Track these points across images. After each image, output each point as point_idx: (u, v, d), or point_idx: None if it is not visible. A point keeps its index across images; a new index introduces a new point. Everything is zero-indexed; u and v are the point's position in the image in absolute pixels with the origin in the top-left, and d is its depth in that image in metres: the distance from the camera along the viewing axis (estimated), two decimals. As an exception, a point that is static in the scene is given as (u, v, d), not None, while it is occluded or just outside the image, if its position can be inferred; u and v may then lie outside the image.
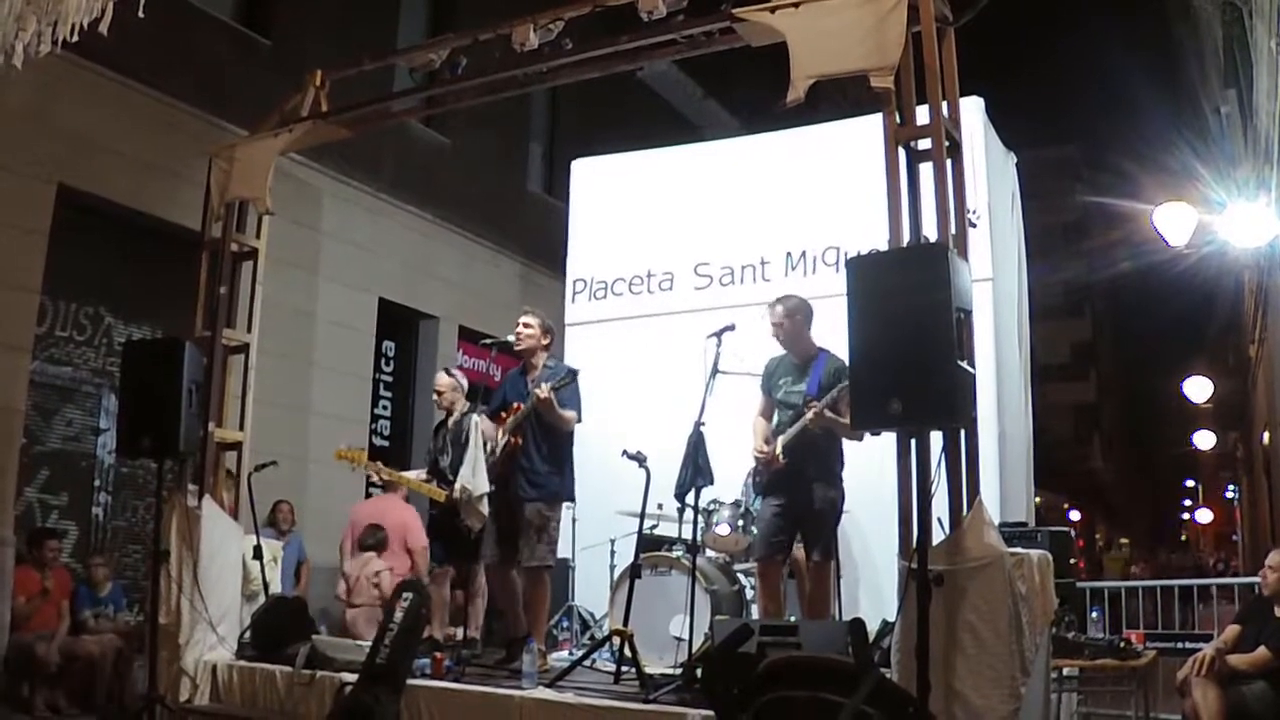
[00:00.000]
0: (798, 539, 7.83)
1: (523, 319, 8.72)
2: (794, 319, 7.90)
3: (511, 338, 8.74)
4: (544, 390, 8.10)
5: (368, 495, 14.24)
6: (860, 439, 7.45)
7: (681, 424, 7.76)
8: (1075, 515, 50.45)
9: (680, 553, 8.42)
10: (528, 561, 8.28)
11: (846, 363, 7.40)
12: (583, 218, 11.57)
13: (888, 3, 6.24)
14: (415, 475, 9.45)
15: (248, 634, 8.34)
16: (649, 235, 10.95)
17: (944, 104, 6.32)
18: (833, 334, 6.99)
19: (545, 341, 8.68)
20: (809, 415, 7.54)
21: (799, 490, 7.65)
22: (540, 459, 8.34)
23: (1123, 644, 8.01)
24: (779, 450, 7.68)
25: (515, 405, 8.43)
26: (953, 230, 6.10)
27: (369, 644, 7.30)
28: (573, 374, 8.33)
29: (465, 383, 9.48)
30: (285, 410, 12.68)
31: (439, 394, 9.37)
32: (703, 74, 20.54)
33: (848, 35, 6.35)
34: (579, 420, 8.43)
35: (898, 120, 6.31)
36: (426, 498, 9.19)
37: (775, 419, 7.97)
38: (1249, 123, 14.58)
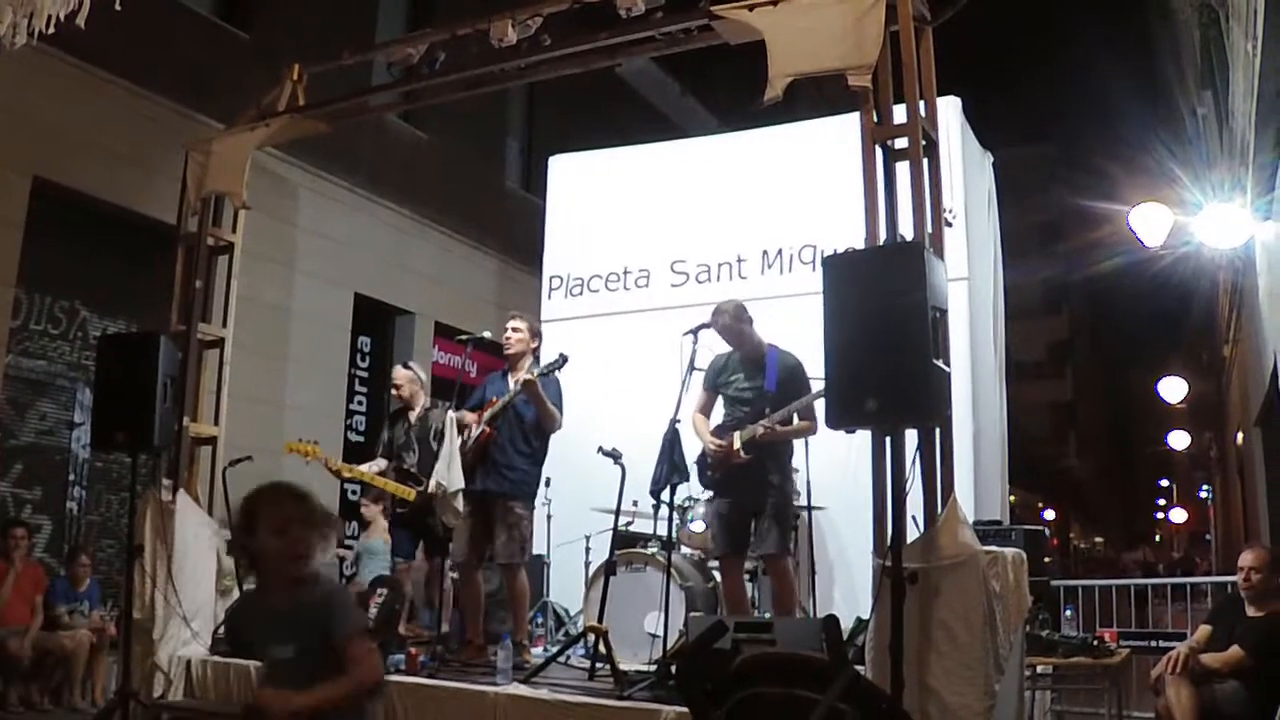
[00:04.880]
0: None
1: (512, 323, 8.72)
2: (742, 319, 7.92)
3: (487, 333, 8.77)
4: (530, 375, 8.14)
5: (342, 490, 14.24)
6: (813, 434, 7.57)
7: (657, 421, 7.74)
8: (1050, 514, 50.68)
9: (655, 549, 8.42)
10: (502, 559, 8.29)
11: (796, 358, 7.49)
12: (560, 214, 11.57)
13: (866, 2, 6.26)
14: (369, 469, 9.42)
15: (222, 629, 8.32)
16: (626, 232, 10.96)
17: (921, 103, 6.35)
18: (808, 332, 6.99)
19: (534, 345, 8.72)
20: (759, 431, 7.59)
21: (756, 486, 7.67)
22: (515, 453, 8.34)
23: (1096, 642, 8.03)
24: (739, 445, 7.69)
25: (493, 400, 8.43)
26: (929, 229, 6.12)
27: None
28: (564, 358, 8.31)
29: (424, 376, 9.50)
30: (260, 405, 12.64)
31: (397, 387, 9.40)
32: (681, 71, 20.56)
33: (825, 34, 6.37)
34: (561, 421, 8.45)
35: (875, 119, 6.33)
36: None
37: (723, 415, 8.01)
38: (1225, 124, 14.63)
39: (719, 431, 7.91)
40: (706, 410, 8.10)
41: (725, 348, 8.12)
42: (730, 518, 7.80)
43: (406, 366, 9.60)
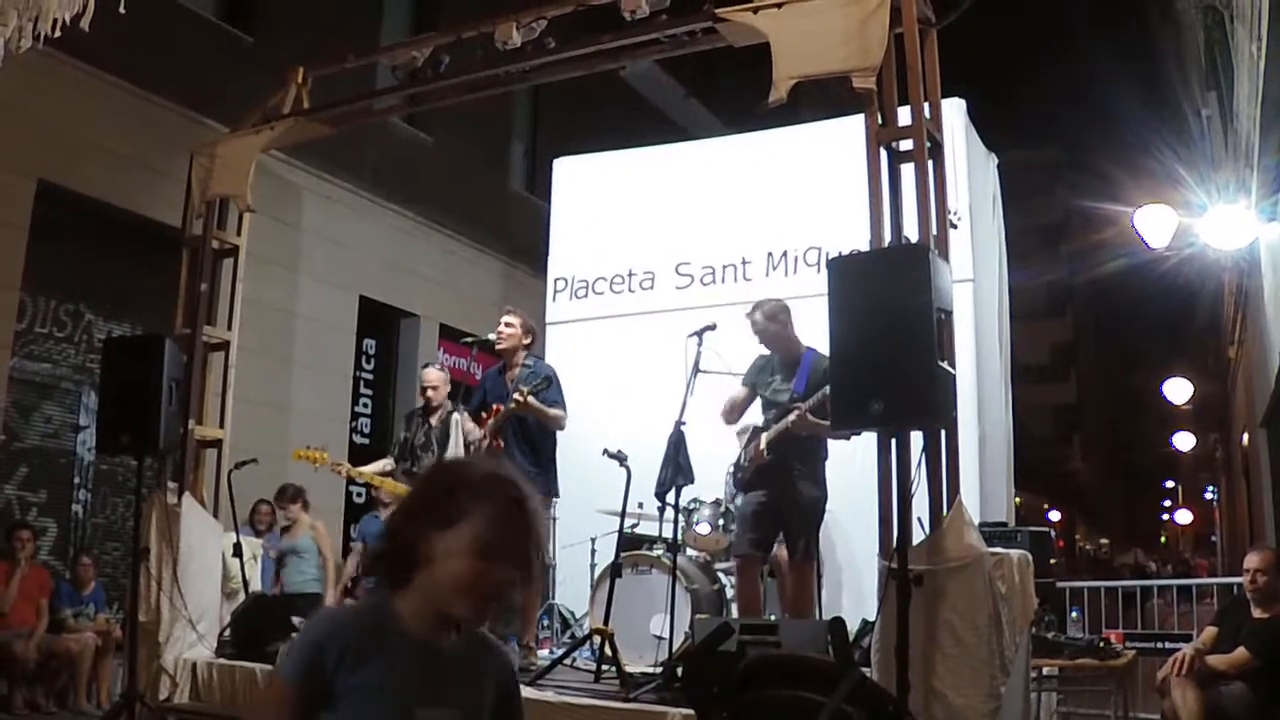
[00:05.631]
0: (779, 538, 7.85)
1: (504, 318, 8.72)
2: (776, 320, 7.89)
3: (492, 336, 8.74)
4: (521, 395, 8.10)
5: (347, 492, 14.26)
6: (847, 437, 7.48)
7: (662, 423, 7.74)
8: (1055, 515, 50.68)
9: (661, 552, 8.42)
10: None
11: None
12: (564, 216, 11.55)
13: (870, 4, 6.26)
14: (376, 469, 9.43)
15: (227, 632, 8.33)
16: (630, 234, 10.94)
17: (925, 105, 6.34)
18: (814, 334, 6.99)
19: (526, 341, 8.67)
20: (792, 418, 7.55)
21: (783, 487, 7.65)
22: (524, 458, 8.32)
23: (1102, 644, 8.02)
24: (763, 445, 7.68)
25: (495, 407, 8.42)
26: (934, 231, 6.11)
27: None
28: (547, 380, 8.31)
29: (449, 377, 9.50)
30: (266, 408, 12.65)
31: (434, 389, 9.33)
32: (685, 74, 20.55)
33: (830, 36, 6.36)
34: (565, 419, 8.43)
35: (879, 121, 6.33)
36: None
37: (762, 417, 7.98)
38: (1229, 126, 14.63)
39: (752, 435, 7.91)
40: (735, 404, 8.05)
41: (731, 350, 8.12)
42: (753, 517, 7.78)
43: (439, 368, 9.59)
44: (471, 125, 16.44)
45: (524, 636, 8.11)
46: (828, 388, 7.36)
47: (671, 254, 10.71)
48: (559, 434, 8.55)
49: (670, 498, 7.64)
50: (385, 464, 9.47)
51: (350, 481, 13.92)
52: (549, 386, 8.27)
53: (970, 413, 8.26)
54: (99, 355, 9.96)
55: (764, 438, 7.73)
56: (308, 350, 14.18)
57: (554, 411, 8.33)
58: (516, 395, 8.11)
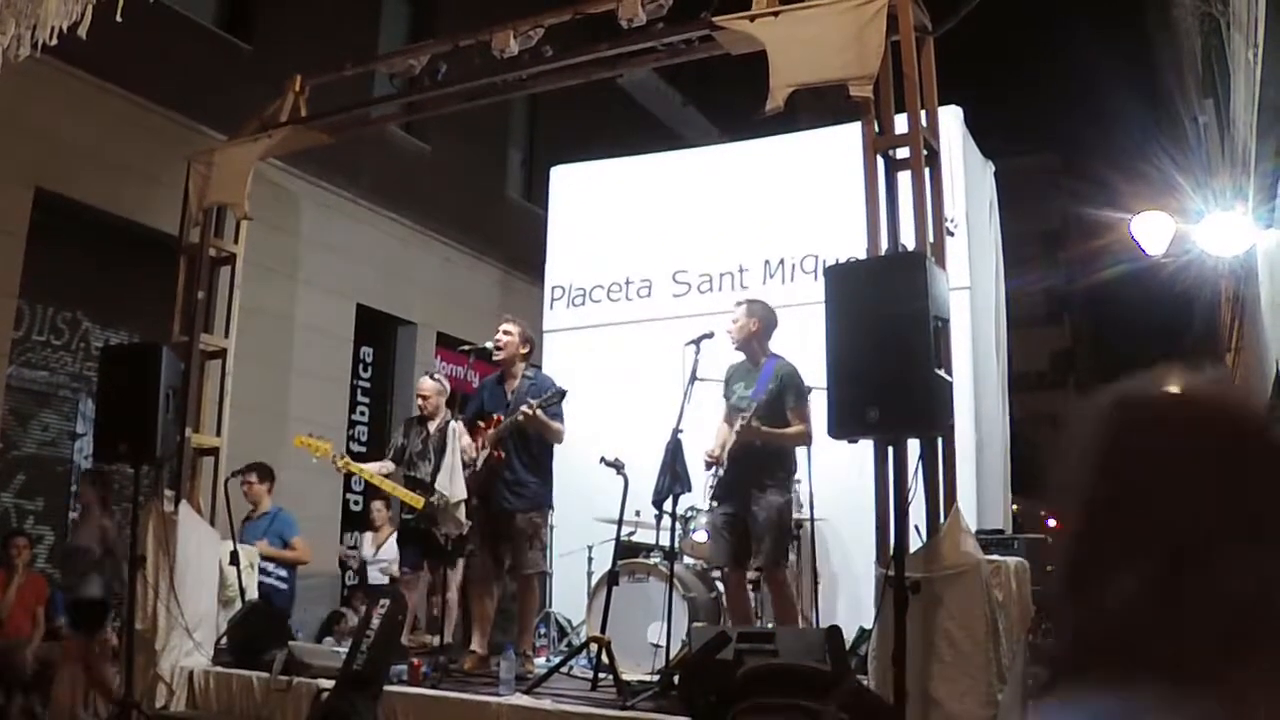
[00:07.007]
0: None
1: (503, 327, 8.71)
2: (748, 320, 7.89)
3: (490, 344, 8.73)
4: (530, 408, 8.09)
5: (344, 500, 14.24)
6: (808, 444, 7.50)
7: (660, 431, 7.73)
8: (1052, 523, 50.65)
9: (658, 560, 8.40)
10: (523, 569, 8.30)
11: (795, 368, 7.46)
12: (561, 224, 11.56)
13: (867, 12, 6.27)
14: (375, 469, 9.44)
15: (224, 640, 8.31)
16: (628, 242, 10.95)
17: (922, 113, 6.35)
18: (811, 342, 6.98)
19: (524, 351, 8.66)
20: (736, 429, 7.57)
21: (744, 497, 7.65)
22: (524, 469, 8.33)
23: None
24: (722, 456, 7.70)
25: (495, 417, 8.41)
26: (931, 239, 6.12)
27: (346, 650, 7.29)
28: (561, 394, 8.30)
29: (448, 387, 9.49)
30: (263, 416, 12.64)
31: (424, 398, 9.35)
32: (682, 81, 20.56)
33: (827, 44, 6.38)
34: (563, 434, 8.44)
35: (876, 129, 6.34)
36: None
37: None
38: (1226, 133, 14.62)
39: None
40: (730, 420, 8.02)
41: (728, 358, 8.13)
42: (723, 528, 7.79)
43: (433, 378, 9.59)
44: (469, 133, 16.45)
45: (521, 644, 8.11)
46: (763, 396, 7.47)
47: (669, 262, 10.72)
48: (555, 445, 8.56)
49: (667, 506, 7.64)
50: (385, 465, 9.48)
51: (347, 488, 13.91)
52: (559, 402, 8.28)
53: (967, 420, 8.26)
54: (96, 363, 9.96)
55: (718, 447, 7.77)
56: (305, 358, 14.16)
57: (556, 425, 8.34)
58: (525, 408, 8.10)
